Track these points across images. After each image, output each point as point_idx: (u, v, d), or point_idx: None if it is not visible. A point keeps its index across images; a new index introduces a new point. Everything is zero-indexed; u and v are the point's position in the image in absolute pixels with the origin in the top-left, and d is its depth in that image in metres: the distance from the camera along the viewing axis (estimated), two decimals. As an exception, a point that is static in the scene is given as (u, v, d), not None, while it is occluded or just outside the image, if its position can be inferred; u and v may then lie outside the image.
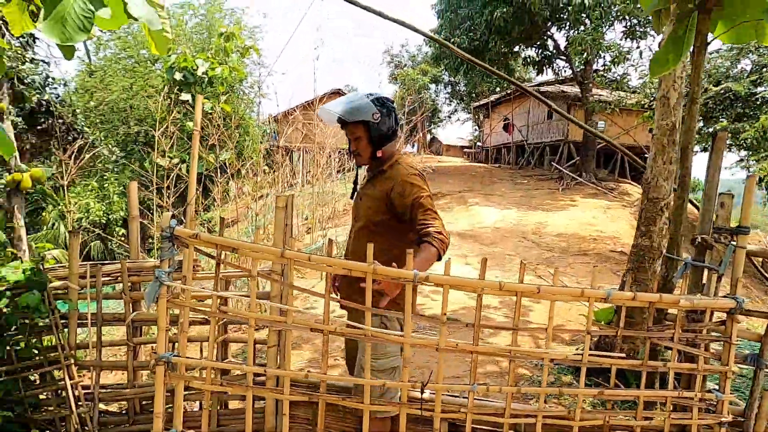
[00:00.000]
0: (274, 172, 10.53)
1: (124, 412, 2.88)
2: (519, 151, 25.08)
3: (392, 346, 2.31)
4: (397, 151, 2.46)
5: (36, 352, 2.76)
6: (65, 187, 7.50)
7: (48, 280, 2.71)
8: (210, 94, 10.69)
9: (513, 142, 25.31)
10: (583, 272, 7.37)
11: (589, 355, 2.17)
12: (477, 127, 36.52)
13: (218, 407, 2.77)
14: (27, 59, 7.12)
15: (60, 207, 8.84)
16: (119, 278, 2.78)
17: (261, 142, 13.29)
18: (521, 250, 9.00)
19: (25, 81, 7.04)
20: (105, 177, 11.85)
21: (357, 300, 2.11)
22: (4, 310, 2.70)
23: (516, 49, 18.59)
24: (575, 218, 11.66)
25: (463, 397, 2.34)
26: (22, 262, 2.76)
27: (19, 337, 2.73)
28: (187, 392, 2.65)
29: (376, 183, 2.38)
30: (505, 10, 15.38)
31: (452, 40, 17.16)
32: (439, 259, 2.09)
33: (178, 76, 10.20)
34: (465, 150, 37.43)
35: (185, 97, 10.23)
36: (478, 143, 33.71)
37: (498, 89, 25.19)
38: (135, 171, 10.47)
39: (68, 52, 2.60)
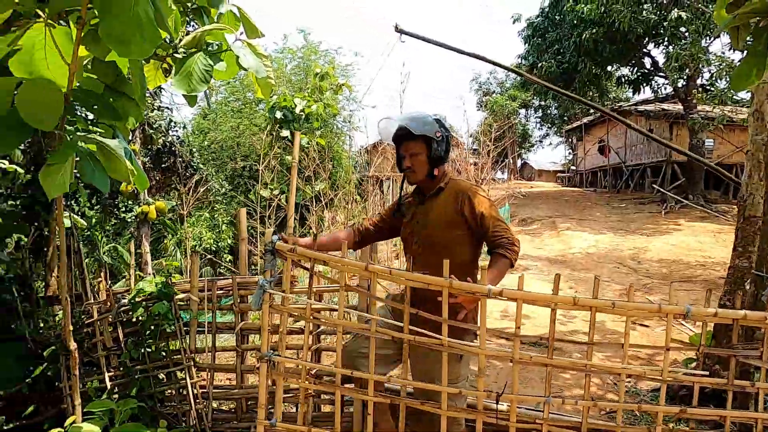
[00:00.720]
0: (365, 201, 11.03)
1: (232, 410, 3.26)
2: (616, 174, 23.87)
3: (464, 369, 2.43)
4: (447, 171, 2.51)
5: (164, 354, 3.23)
6: (183, 218, 8.46)
7: (174, 293, 3.19)
8: (307, 130, 11.52)
9: (609, 164, 24.15)
10: (686, 299, 6.90)
11: (669, 372, 2.17)
12: (570, 151, 35.30)
13: (312, 410, 3.05)
14: (155, 107, 8.24)
15: (179, 235, 9.93)
16: (230, 292, 3.20)
17: (353, 173, 13.98)
18: (617, 276, 8.60)
19: (153, 126, 8.13)
20: (215, 208, 13.12)
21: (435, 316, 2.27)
22: (141, 318, 3.22)
23: (609, 68, 17.97)
24: (679, 243, 10.89)
25: (540, 411, 2.41)
26: (154, 276, 3.27)
27: (151, 341, 3.22)
28: (286, 394, 2.97)
29: (435, 203, 2.40)
30: (594, 31, 15.03)
31: (540, 64, 17.03)
32: (512, 266, 2.23)
33: (278, 114, 11.14)
34: (558, 175, 36.26)
35: (285, 133, 11.12)
36: (572, 167, 32.53)
37: (591, 111, 24.33)
38: (241, 202, 11.48)
39: (192, 100, 3.11)
